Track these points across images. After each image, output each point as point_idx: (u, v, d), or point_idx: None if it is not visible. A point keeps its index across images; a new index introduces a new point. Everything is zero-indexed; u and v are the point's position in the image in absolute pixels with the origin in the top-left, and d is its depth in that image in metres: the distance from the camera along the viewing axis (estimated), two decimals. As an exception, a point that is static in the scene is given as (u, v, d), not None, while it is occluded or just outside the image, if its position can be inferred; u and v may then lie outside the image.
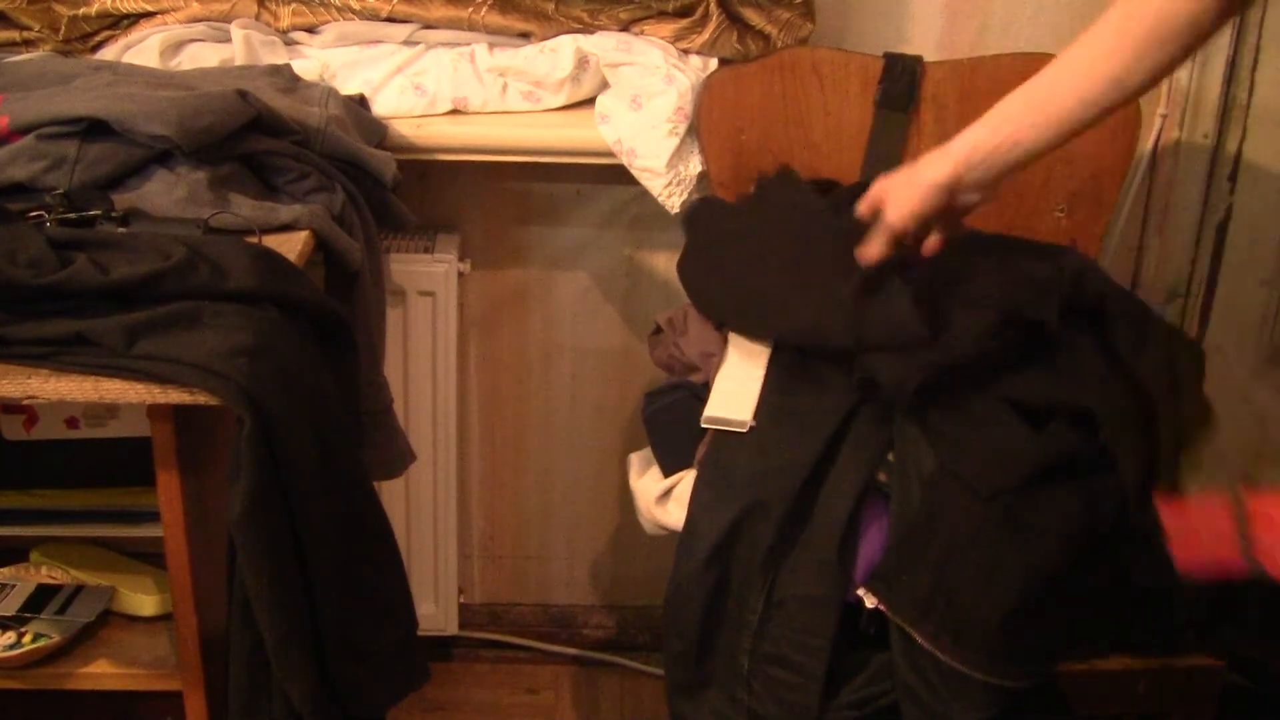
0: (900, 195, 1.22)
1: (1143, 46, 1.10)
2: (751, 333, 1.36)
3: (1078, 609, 1.15)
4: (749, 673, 1.22)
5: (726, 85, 1.58)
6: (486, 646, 2.03)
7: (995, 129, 1.19)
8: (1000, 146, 1.18)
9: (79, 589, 1.30)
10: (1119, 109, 1.17)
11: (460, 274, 1.73)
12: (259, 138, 1.31)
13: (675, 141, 1.56)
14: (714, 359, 1.38)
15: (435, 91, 1.58)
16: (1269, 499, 0.88)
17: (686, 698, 1.27)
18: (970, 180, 1.20)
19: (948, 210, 1.23)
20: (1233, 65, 1.71)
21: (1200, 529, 0.93)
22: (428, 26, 1.60)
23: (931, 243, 1.26)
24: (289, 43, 1.60)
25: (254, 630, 1.09)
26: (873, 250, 1.25)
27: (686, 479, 1.32)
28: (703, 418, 1.29)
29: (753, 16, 1.59)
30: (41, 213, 1.17)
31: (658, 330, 1.50)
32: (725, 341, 1.40)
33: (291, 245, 1.22)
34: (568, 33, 1.59)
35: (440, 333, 1.72)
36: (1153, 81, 1.13)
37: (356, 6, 1.56)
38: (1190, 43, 1.10)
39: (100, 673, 1.23)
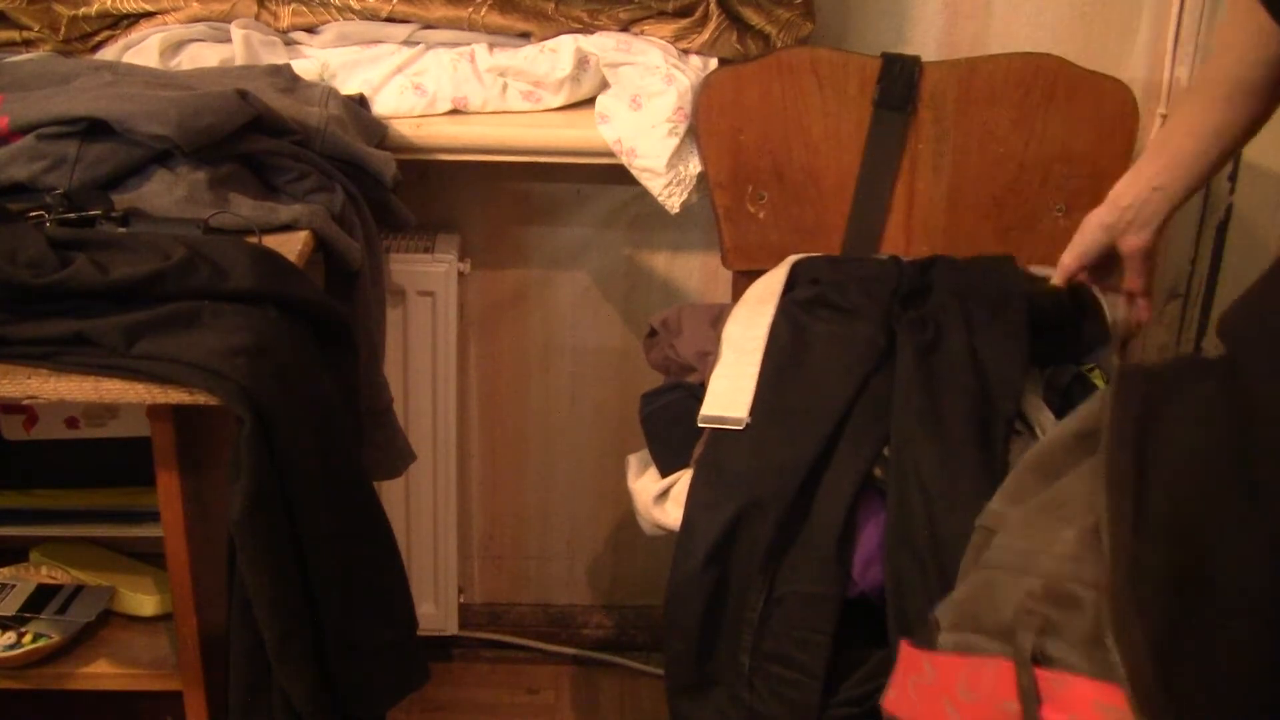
0: (1073, 238, 1.34)
1: (1228, 103, 1.20)
2: None
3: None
4: (750, 671, 1.22)
5: (725, 85, 1.58)
6: (486, 646, 2.03)
7: (1137, 170, 1.28)
8: (1141, 188, 1.27)
9: (79, 589, 1.30)
10: (1237, 150, 1.26)
11: (460, 274, 1.73)
12: (259, 138, 1.31)
13: (675, 141, 1.56)
14: (709, 358, 1.38)
15: (435, 91, 1.58)
16: (1074, 685, 0.70)
17: (688, 698, 1.27)
18: (1126, 221, 1.28)
19: (1117, 252, 1.31)
20: (1232, 65, 1.71)
21: (952, 685, 0.76)
22: (428, 26, 1.60)
23: (1141, 309, 1.36)
24: (289, 43, 1.60)
25: (254, 630, 1.09)
26: (1054, 279, 1.37)
27: (684, 479, 1.32)
28: (699, 416, 1.29)
29: (752, 16, 1.59)
30: (41, 213, 1.17)
31: (652, 333, 1.50)
32: (720, 340, 1.40)
33: (291, 245, 1.22)
34: (568, 33, 1.59)
35: (440, 333, 1.72)
36: (1254, 127, 1.22)
37: (356, 6, 1.57)
38: (1269, 96, 1.18)
39: (100, 673, 1.23)
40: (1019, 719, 0.71)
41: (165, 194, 1.23)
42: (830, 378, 1.28)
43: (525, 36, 1.61)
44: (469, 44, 1.60)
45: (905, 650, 0.83)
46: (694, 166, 1.58)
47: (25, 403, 1.31)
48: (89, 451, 1.34)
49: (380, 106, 1.58)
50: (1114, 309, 1.39)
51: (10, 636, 1.23)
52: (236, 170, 1.29)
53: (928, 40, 1.71)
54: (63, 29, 1.54)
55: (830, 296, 1.40)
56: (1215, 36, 1.65)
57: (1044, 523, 0.76)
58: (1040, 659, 0.71)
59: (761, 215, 1.62)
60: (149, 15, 1.56)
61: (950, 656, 0.78)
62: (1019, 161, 1.60)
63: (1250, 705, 0.64)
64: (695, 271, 1.84)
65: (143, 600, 1.29)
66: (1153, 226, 1.29)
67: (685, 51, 1.61)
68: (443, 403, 1.76)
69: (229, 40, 1.55)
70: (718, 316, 1.46)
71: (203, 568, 1.15)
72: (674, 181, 1.58)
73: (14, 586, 1.30)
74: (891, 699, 0.82)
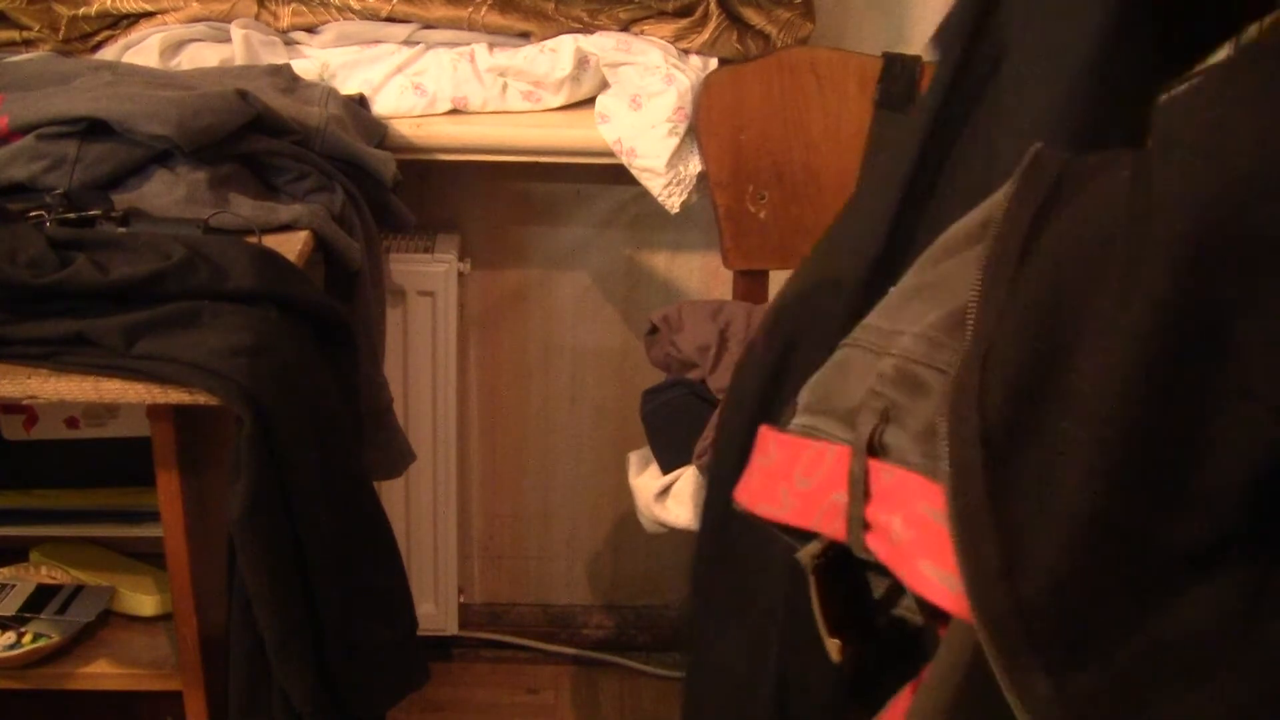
0: None
1: None
2: None
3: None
4: None
5: (725, 85, 1.58)
6: (486, 646, 2.03)
7: None
8: None
9: (79, 589, 1.30)
10: None
11: (460, 274, 1.73)
12: (259, 138, 1.31)
13: (675, 141, 1.56)
14: (710, 353, 1.38)
15: (435, 91, 1.58)
16: (905, 482, 0.62)
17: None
18: None
19: None
20: (1232, 65, 1.71)
21: (791, 471, 0.70)
22: (428, 26, 1.60)
23: None
24: (289, 43, 1.60)
25: (254, 630, 1.09)
26: None
27: (685, 476, 1.32)
28: None
29: (753, 16, 1.59)
30: (41, 213, 1.17)
31: (653, 330, 1.50)
32: (721, 336, 1.40)
33: (291, 245, 1.22)
34: (568, 33, 1.59)
35: (440, 333, 1.72)
36: None
37: (356, 6, 1.57)
38: None
39: (100, 673, 1.23)
40: (845, 512, 0.63)
41: (165, 194, 1.23)
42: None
43: (525, 36, 1.61)
44: (469, 44, 1.60)
45: (760, 431, 0.75)
46: (694, 166, 1.58)
47: (25, 403, 1.31)
48: (89, 451, 1.34)
49: (380, 106, 1.58)
50: None
51: (10, 636, 1.23)
52: (236, 170, 1.29)
53: (927, 40, 1.71)
54: (63, 29, 1.54)
55: None
56: None
57: (915, 305, 0.67)
58: (877, 449, 0.63)
59: (762, 215, 1.62)
60: (149, 15, 1.56)
61: (794, 438, 0.70)
62: (1019, 161, 1.60)
63: (1082, 534, 0.54)
64: (695, 271, 1.84)
65: (143, 600, 1.29)
66: None
67: (685, 51, 1.61)
68: (443, 403, 1.76)
69: (229, 40, 1.55)
70: (718, 311, 1.46)
71: (203, 568, 1.15)
72: (674, 181, 1.58)
73: (14, 586, 1.30)
74: (741, 483, 0.74)
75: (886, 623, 0.69)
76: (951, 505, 0.56)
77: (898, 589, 0.67)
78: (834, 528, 0.64)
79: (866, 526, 0.62)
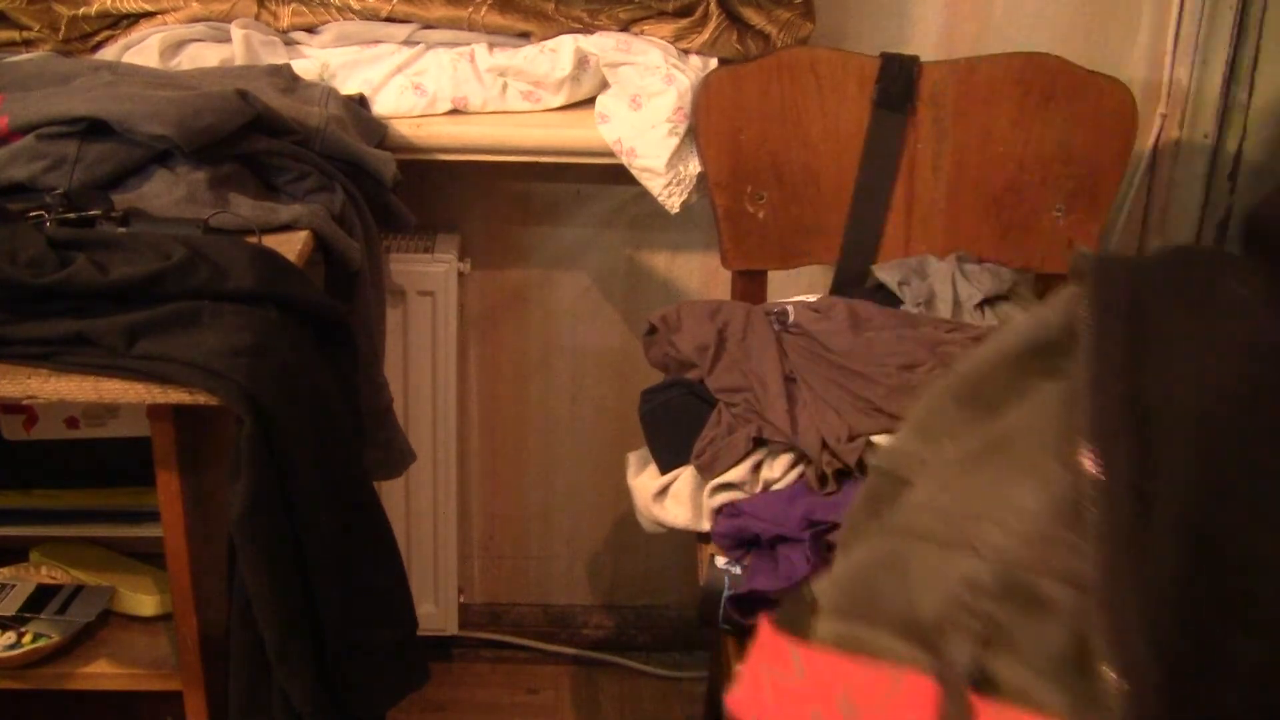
0: None
1: None
2: None
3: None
4: None
5: (724, 85, 1.58)
6: (486, 646, 2.03)
7: None
8: None
9: (79, 589, 1.30)
10: None
11: (460, 274, 1.73)
12: (259, 138, 1.31)
13: (675, 141, 1.56)
14: (709, 353, 1.38)
15: (435, 91, 1.58)
16: (1021, 716, 0.45)
17: None
18: None
19: None
20: (1233, 65, 1.71)
21: (832, 695, 0.52)
22: (428, 26, 1.60)
23: None
24: (289, 43, 1.60)
25: (254, 630, 1.09)
26: None
27: (684, 476, 1.32)
28: None
29: (753, 16, 1.59)
30: (41, 213, 1.17)
31: (651, 330, 1.50)
32: (720, 336, 1.40)
33: (291, 245, 1.22)
34: (568, 33, 1.59)
35: (440, 333, 1.72)
36: None
37: (356, 6, 1.57)
38: None
39: (100, 673, 1.23)
40: None
41: (165, 194, 1.23)
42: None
43: (525, 36, 1.61)
44: (469, 44, 1.60)
45: (766, 633, 0.58)
46: (694, 166, 1.58)
47: (25, 403, 1.31)
48: (89, 451, 1.34)
49: (380, 106, 1.58)
50: None
51: (10, 636, 1.23)
52: (236, 170, 1.29)
53: (927, 40, 1.71)
54: (63, 29, 1.54)
55: None
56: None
57: (985, 477, 0.51)
58: (979, 680, 0.48)
59: (761, 215, 1.62)
60: (149, 15, 1.56)
61: (832, 654, 0.53)
62: (1018, 161, 1.60)
63: None
64: (695, 271, 1.84)
65: (143, 600, 1.29)
66: None
67: (685, 51, 1.61)
68: (443, 403, 1.76)
69: (229, 40, 1.55)
70: (716, 311, 1.46)
71: (203, 568, 1.15)
72: (674, 181, 1.58)
73: (14, 586, 1.30)
74: (740, 696, 0.57)
75: None
76: None
77: None
78: None
79: None
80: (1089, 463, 0.45)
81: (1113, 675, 0.42)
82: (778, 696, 0.55)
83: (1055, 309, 0.50)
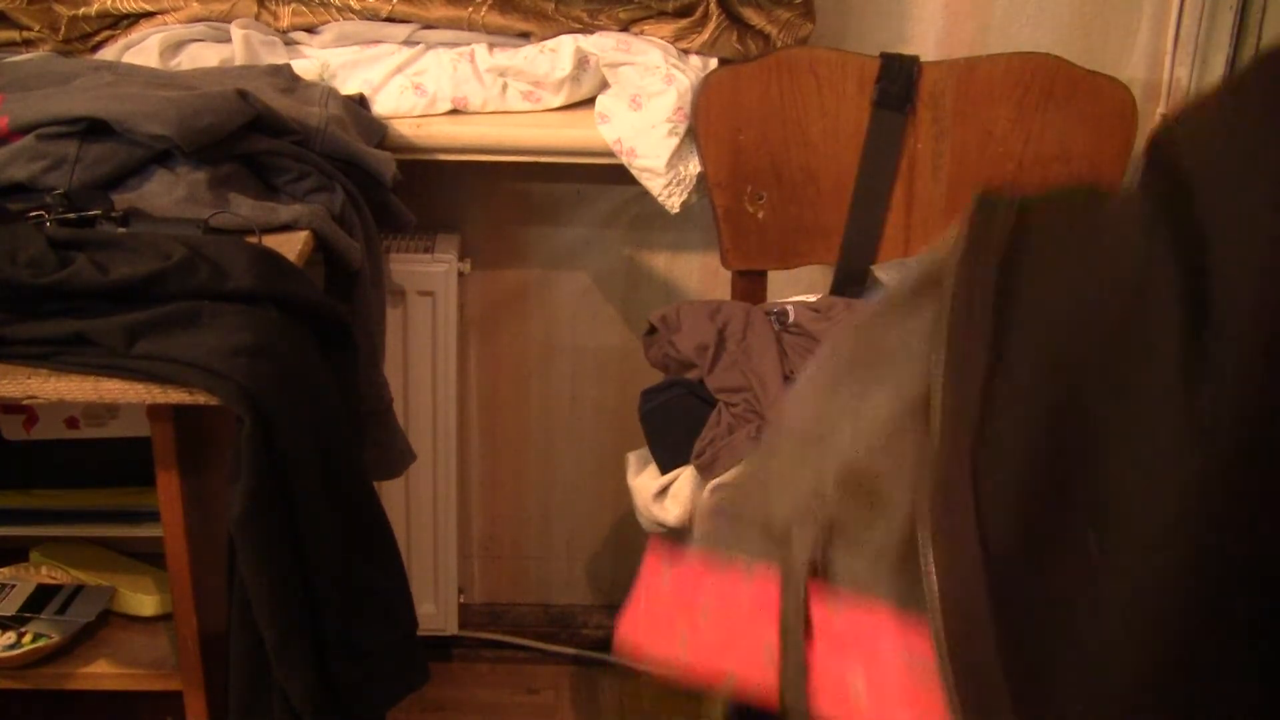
0: None
1: None
2: None
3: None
4: None
5: (724, 85, 1.58)
6: (486, 646, 2.03)
7: None
8: None
9: (79, 589, 1.30)
10: None
11: (460, 274, 1.73)
12: (259, 138, 1.31)
13: (675, 141, 1.56)
14: (709, 352, 1.38)
15: (435, 91, 1.58)
16: (864, 617, 0.45)
17: None
18: None
19: None
20: (1233, 65, 1.71)
21: (693, 600, 0.52)
22: (428, 26, 1.60)
23: None
24: (289, 43, 1.60)
25: (254, 630, 1.09)
26: None
27: (683, 476, 1.32)
28: None
29: (753, 16, 1.59)
30: (41, 213, 1.17)
31: (651, 330, 1.50)
32: (720, 335, 1.40)
33: (291, 245, 1.22)
34: (568, 33, 1.59)
35: (440, 333, 1.72)
36: None
37: (356, 6, 1.57)
38: None
39: (100, 673, 1.23)
40: (774, 660, 0.47)
41: (165, 194, 1.23)
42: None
43: (525, 36, 1.61)
44: (469, 44, 1.60)
45: (650, 550, 0.59)
46: (694, 166, 1.58)
47: (25, 403, 1.31)
48: (89, 451, 1.34)
49: (380, 106, 1.58)
50: None
51: (10, 636, 1.23)
52: (236, 170, 1.29)
53: (927, 40, 1.71)
54: (63, 29, 1.54)
55: None
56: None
57: (849, 387, 0.51)
58: (820, 572, 0.47)
59: (761, 215, 1.62)
60: (149, 15, 1.56)
61: (696, 561, 0.54)
62: (1018, 161, 1.61)
63: (1143, 697, 0.39)
64: (695, 271, 1.84)
65: (143, 600, 1.29)
66: None
67: (685, 51, 1.61)
68: (443, 403, 1.76)
69: (229, 40, 1.55)
70: (716, 311, 1.46)
71: (203, 568, 1.15)
72: (674, 181, 1.58)
73: (14, 586, 1.30)
74: (626, 617, 0.58)
75: None
76: (946, 655, 0.40)
77: None
78: (760, 680, 0.48)
79: (805, 680, 0.46)
80: (938, 364, 0.46)
81: (933, 570, 0.42)
82: (650, 611, 0.56)
83: (941, 249, 0.52)
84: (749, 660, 0.48)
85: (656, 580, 0.57)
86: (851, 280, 1.62)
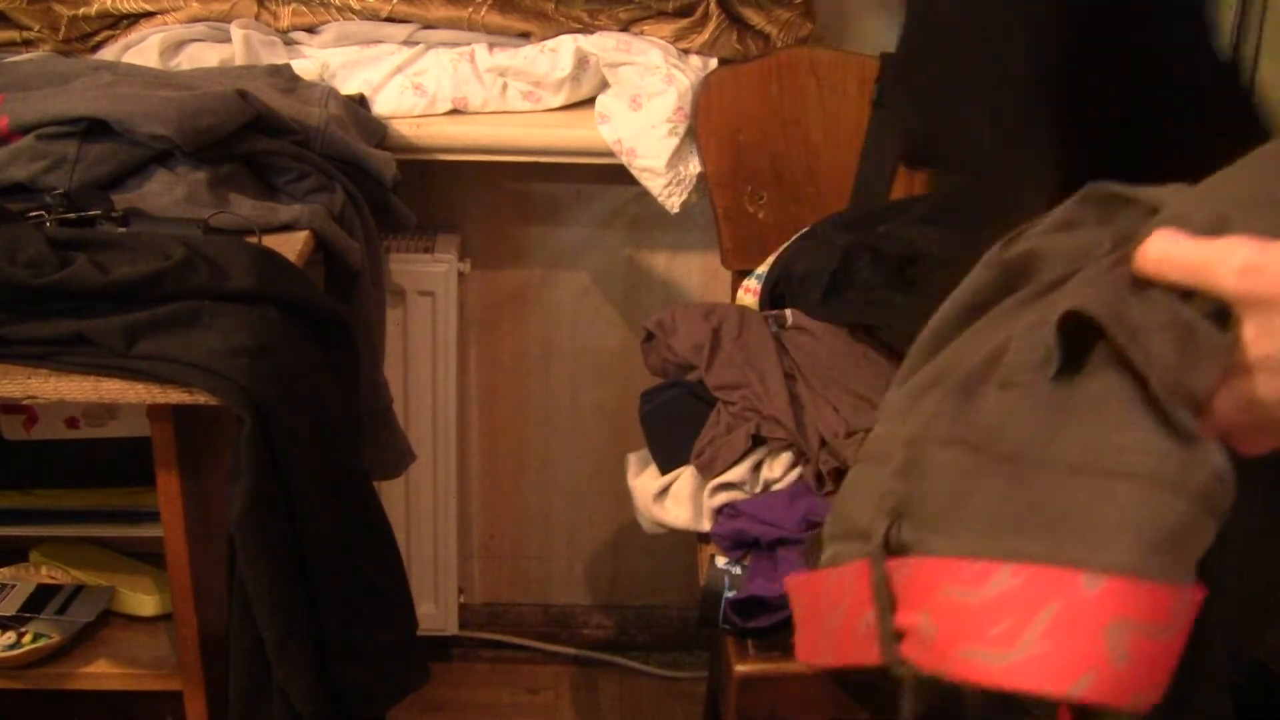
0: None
1: None
2: None
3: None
4: None
5: (724, 85, 1.58)
6: (486, 646, 2.03)
7: None
8: None
9: (79, 589, 1.30)
10: None
11: (460, 274, 1.73)
12: (259, 138, 1.31)
13: (675, 141, 1.56)
14: (705, 350, 1.38)
15: (435, 91, 1.58)
16: (922, 572, 0.52)
17: None
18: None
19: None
20: (1233, 65, 1.71)
21: (823, 609, 0.60)
22: (428, 26, 1.60)
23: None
24: (289, 43, 1.60)
25: (254, 630, 1.09)
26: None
27: (684, 476, 1.32)
28: None
29: (753, 16, 1.59)
30: (41, 213, 1.17)
31: (649, 336, 1.50)
32: (715, 334, 1.39)
33: (291, 245, 1.22)
34: (568, 33, 1.59)
35: (440, 333, 1.72)
36: None
37: (356, 6, 1.57)
38: None
39: (100, 673, 1.23)
40: (875, 634, 0.53)
41: (165, 194, 1.23)
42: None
43: (525, 36, 1.61)
44: (469, 44, 1.60)
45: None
46: (694, 166, 1.59)
47: (25, 403, 1.30)
48: (89, 451, 1.34)
49: (380, 106, 1.58)
50: None
51: (10, 636, 1.23)
52: (236, 170, 1.29)
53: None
54: (63, 29, 1.54)
55: None
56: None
57: (924, 405, 0.58)
58: (894, 549, 0.54)
59: (761, 215, 1.62)
60: (149, 15, 1.56)
61: (814, 576, 0.62)
62: (1019, 161, 1.60)
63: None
64: (695, 271, 1.84)
65: (143, 600, 1.29)
66: None
67: (685, 51, 1.61)
68: (443, 403, 1.76)
69: (229, 40, 1.55)
70: (710, 312, 1.46)
71: (203, 568, 1.15)
72: (674, 181, 1.58)
73: (14, 586, 1.30)
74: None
75: None
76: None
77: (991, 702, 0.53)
78: (868, 654, 0.55)
79: (900, 637, 0.53)
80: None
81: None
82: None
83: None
84: (862, 641, 0.55)
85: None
86: (851, 280, 1.62)
